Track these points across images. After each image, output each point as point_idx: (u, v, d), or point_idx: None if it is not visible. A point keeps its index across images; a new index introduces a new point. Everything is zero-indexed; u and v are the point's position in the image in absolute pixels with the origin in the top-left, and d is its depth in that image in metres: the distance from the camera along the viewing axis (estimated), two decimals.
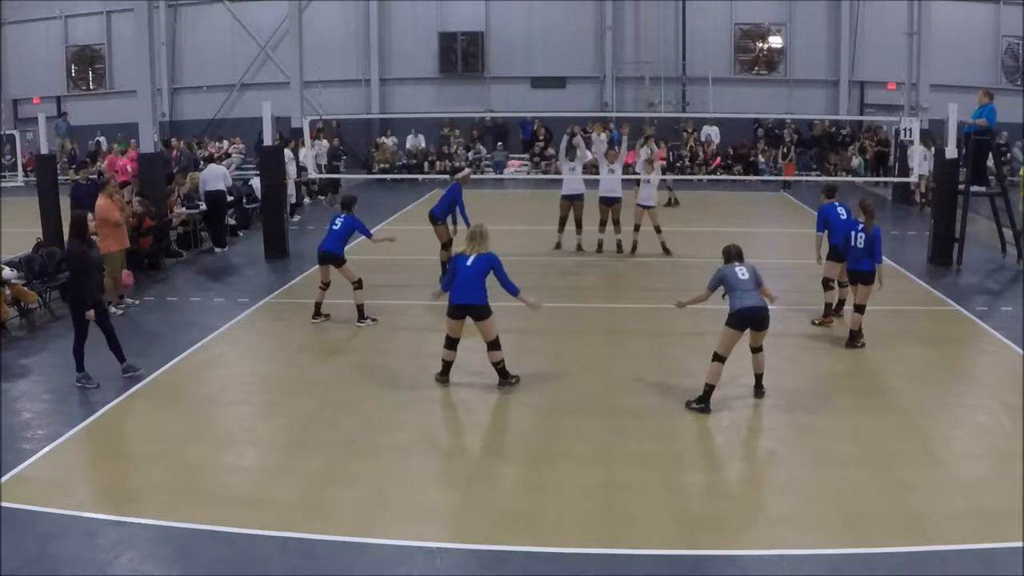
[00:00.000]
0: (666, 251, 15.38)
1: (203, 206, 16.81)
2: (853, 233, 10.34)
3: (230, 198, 17.78)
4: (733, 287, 8.39)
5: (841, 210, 11.45)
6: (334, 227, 11.42)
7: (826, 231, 11.31)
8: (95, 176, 17.46)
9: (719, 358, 8.31)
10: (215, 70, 29.75)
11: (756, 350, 8.57)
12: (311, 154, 20.17)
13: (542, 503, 6.68)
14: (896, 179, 21.69)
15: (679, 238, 16.22)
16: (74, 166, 25.29)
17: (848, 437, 7.84)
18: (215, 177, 16.99)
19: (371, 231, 12.07)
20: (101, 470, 7.40)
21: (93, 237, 9.50)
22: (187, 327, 11.44)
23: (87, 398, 8.85)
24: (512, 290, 8.99)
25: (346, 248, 11.57)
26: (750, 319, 8.31)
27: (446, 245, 13.47)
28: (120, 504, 6.66)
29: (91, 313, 9.08)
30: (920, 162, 18.24)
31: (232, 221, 18.21)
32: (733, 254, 8.66)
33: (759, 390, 8.68)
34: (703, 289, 8.74)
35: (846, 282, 11.01)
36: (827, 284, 11.28)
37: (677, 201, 21.44)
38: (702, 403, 8.34)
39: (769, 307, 8.58)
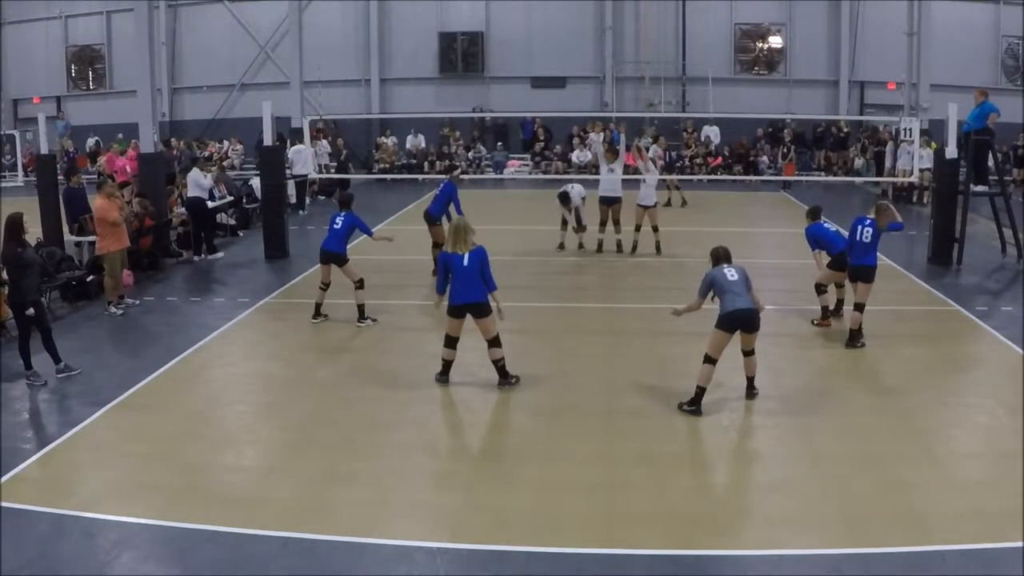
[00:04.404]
0: (657, 250, 15.43)
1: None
2: (860, 227, 10.34)
3: (214, 203, 17.04)
4: (724, 289, 8.34)
5: (829, 225, 11.50)
6: (335, 226, 11.42)
7: (820, 250, 11.28)
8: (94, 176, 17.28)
9: (710, 360, 8.29)
10: (215, 70, 29.75)
11: (747, 353, 8.52)
12: (309, 153, 20.15)
13: (542, 503, 6.68)
14: (896, 179, 21.69)
15: (679, 238, 16.24)
16: (65, 167, 25.25)
17: (848, 437, 7.84)
18: (192, 183, 15.97)
19: (371, 229, 12.07)
20: (101, 470, 7.40)
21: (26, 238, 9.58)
22: (187, 327, 11.44)
23: (86, 398, 8.84)
24: (492, 286, 8.91)
25: (347, 248, 11.57)
26: (741, 321, 8.27)
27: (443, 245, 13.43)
28: (120, 504, 6.66)
29: (31, 311, 9.20)
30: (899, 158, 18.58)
31: (232, 221, 18.21)
32: (721, 256, 8.61)
33: (751, 391, 8.67)
34: (695, 297, 8.65)
35: (843, 282, 11.02)
36: (819, 289, 11.26)
37: (685, 201, 21.40)
38: (693, 405, 8.32)
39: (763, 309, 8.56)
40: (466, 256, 8.77)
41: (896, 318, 11.55)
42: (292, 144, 21.62)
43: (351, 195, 12.11)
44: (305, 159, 20.14)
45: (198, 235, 15.96)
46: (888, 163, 23.00)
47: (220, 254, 15.96)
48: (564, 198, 15.57)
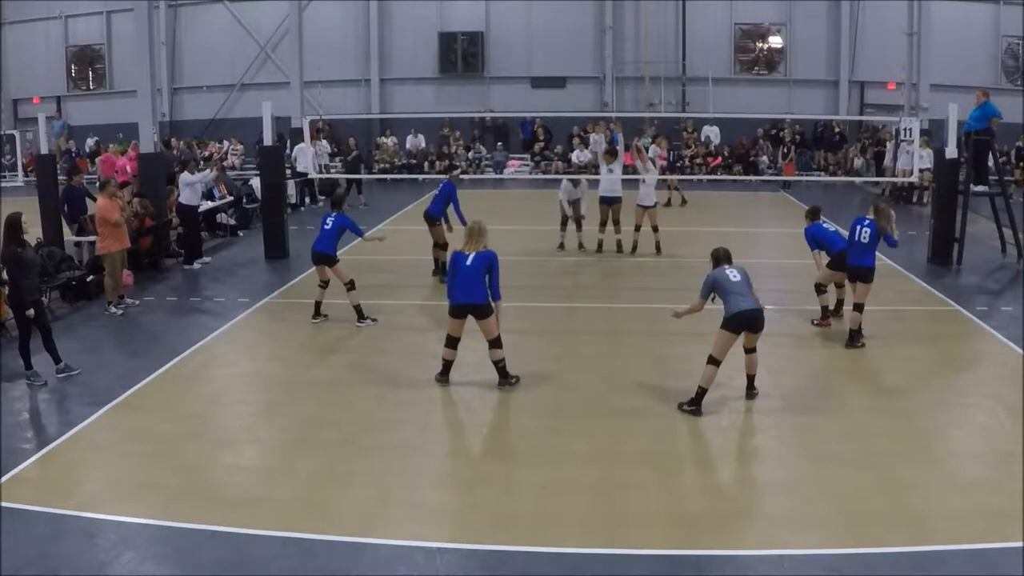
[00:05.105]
0: (657, 250, 15.45)
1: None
2: (859, 227, 10.34)
3: (212, 204, 17.13)
4: (727, 290, 8.32)
5: (828, 225, 11.54)
6: (325, 226, 11.38)
7: (820, 250, 11.26)
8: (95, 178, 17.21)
9: (714, 361, 8.27)
10: (215, 70, 29.74)
11: (749, 351, 8.53)
12: (311, 153, 20.15)
13: (542, 503, 6.68)
14: (896, 179, 21.70)
15: (679, 238, 16.24)
16: (65, 167, 25.25)
17: (848, 437, 7.84)
18: (182, 185, 15.41)
19: (362, 230, 12.05)
20: (101, 470, 7.39)
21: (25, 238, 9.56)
22: (187, 327, 11.44)
23: (86, 398, 8.84)
24: (497, 295, 8.85)
25: (343, 249, 11.55)
26: (747, 322, 8.26)
27: (444, 245, 13.44)
28: (120, 504, 6.66)
29: (31, 311, 9.19)
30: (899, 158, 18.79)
31: (232, 221, 18.21)
32: (722, 257, 8.58)
33: (751, 391, 8.67)
34: (697, 299, 8.63)
35: (843, 282, 11.03)
36: (819, 289, 11.27)
37: (684, 200, 21.40)
38: (694, 405, 8.32)
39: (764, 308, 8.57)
40: (471, 256, 8.74)
41: (896, 318, 11.54)
42: (296, 143, 21.67)
43: (343, 195, 12.12)
44: (308, 157, 20.18)
45: (189, 241, 15.49)
46: (888, 163, 22.99)
47: (196, 266, 15.07)
48: (575, 180, 15.67)
